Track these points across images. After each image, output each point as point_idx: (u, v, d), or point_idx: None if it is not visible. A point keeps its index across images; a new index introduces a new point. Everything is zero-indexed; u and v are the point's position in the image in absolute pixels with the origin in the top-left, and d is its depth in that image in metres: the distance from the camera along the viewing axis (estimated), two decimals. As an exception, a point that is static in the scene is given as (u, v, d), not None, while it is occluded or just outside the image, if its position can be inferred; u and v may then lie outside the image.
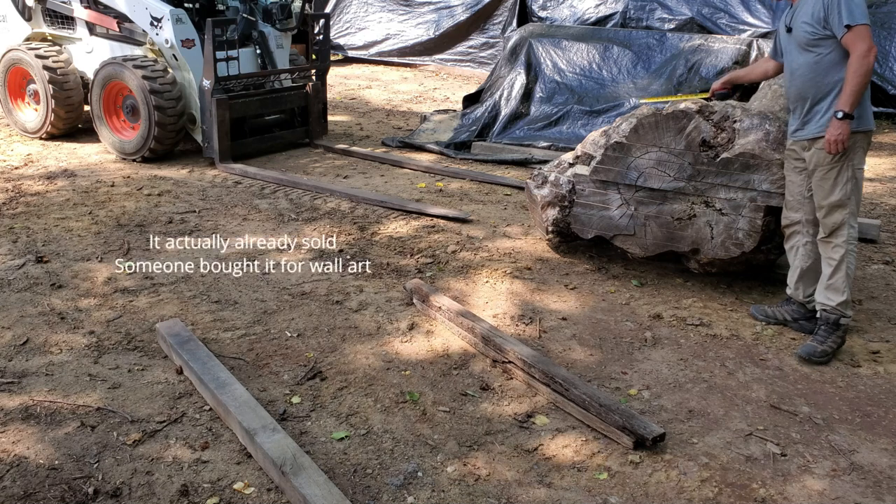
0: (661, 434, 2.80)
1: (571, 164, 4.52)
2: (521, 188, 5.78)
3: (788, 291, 3.82)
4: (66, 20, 6.90)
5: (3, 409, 2.95)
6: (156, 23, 6.12)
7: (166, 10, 6.05)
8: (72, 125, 6.96)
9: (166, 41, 6.13)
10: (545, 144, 6.91)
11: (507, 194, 5.86)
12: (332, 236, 4.85)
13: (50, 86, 6.56)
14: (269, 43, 6.69)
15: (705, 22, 7.89)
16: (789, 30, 3.51)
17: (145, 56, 6.35)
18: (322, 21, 7.24)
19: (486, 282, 4.26)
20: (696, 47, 7.13)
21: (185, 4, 6.43)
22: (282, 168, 6.37)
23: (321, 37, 7.15)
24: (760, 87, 5.09)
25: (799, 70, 3.48)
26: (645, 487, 2.64)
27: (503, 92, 7.52)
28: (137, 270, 4.27)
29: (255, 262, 4.44)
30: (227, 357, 3.38)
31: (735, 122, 4.09)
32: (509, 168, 6.62)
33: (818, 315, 3.56)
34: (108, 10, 6.52)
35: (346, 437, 2.87)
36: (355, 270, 4.35)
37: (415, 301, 3.93)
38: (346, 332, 3.66)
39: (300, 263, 4.43)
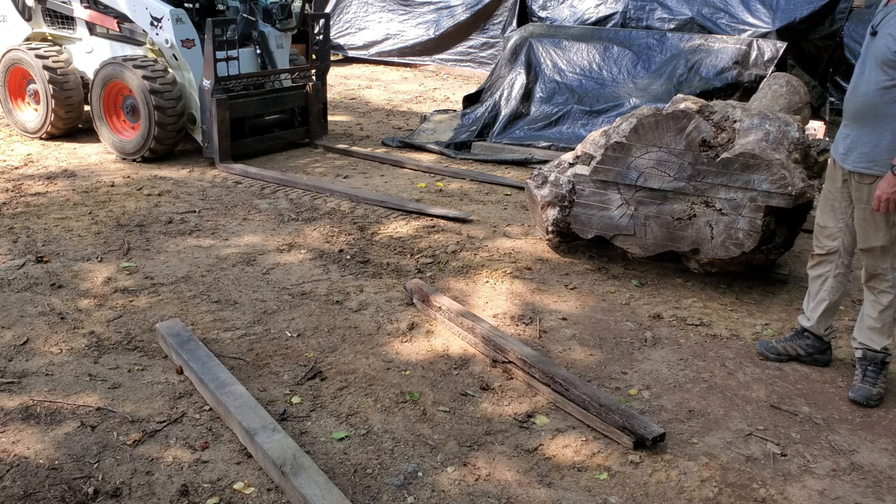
0: (661, 434, 2.80)
1: (571, 164, 4.52)
2: (521, 188, 5.78)
3: (804, 323, 3.44)
4: (66, 20, 6.90)
5: (3, 409, 2.95)
6: (156, 23, 6.12)
7: (166, 10, 6.05)
8: (72, 125, 6.96)
9: (166, 41, 6.13)
10: (545, 144, 6.91)
11: (507, 194, 5.86)
12: (332, 236, 4.85)
13: (50, 86, 6.55)
14: (269, 43, 6.69)
15: (705, 22, 7.88)
16: (874, 33, 2.96)
17: (145, 56, 6.35)
18: (322, 21, 7.23)
19: (487, 282, 4.25)
20: (696, 47, 7.12)
21: (185, 4, 6.43)
22: (282, 168, 6.37)
23: (321, 37, 7.15)
24: (760, 86, 5.09)
25: (864, 87, 2.98)
26: (645, 487, 2.64)
27: (503, 92, 7.52)
28: (137, 270, 4.27)
29: (255, 263, 4.44)
30: (227, 357, 3.38)
31: (735, 122, 4.10)
32: (509, 168, 6.63)
33: (859, 355, 3.26)
34: (108, 10, 6.52)
35: (346, 437, 2.87)
36: (355, 271, 4.35)
37: (415, 301, 3.93)
38: (346, 332, 3.66)
39: (300, 263, 4.43)
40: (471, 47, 11.42)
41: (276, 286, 4.14)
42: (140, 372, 3.27)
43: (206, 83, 6.02)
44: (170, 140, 6.30)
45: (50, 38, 7.04)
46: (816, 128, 6.07)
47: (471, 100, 7.92)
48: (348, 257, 4.55)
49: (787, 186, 3.77)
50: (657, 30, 7.92)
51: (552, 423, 2.98)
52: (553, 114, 7.19)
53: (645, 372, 3.38)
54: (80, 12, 6.68)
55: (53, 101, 6.61)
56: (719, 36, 7.32)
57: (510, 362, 3.30)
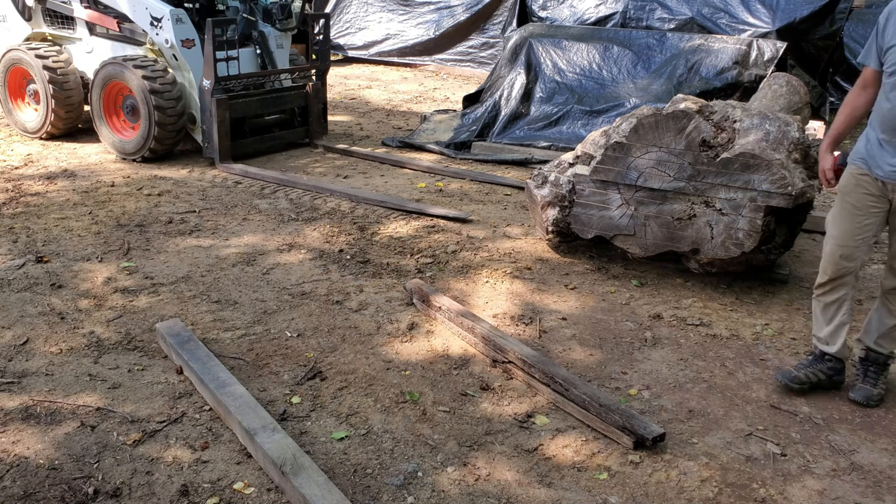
0: (661, 434, 2.80)
1: (571, 164, 4.52)
2: (521, 188, 5.78)
3: (823, 347, 3.25)
4: (66, 20, 6.90)
5: (3, 409, 2.95)
6: (156, 23, 6.12)
7: (166, 10, 6.05)
8: (72, 125, 6.96)
9: (166, 41, 6.13)
10: (545, 144, 6.91)
11: (507, 194, 5.86)
12: (332, 236, 4.85)
13: (50, 86, 6.56)
14: (269, 43, 6.69)
15: (705, 22, 7.88)
16: None
17: (145, 56, 6.35)
18: (322, 21, 7.23)
19: (487, 282, 4.25)
20: (696, 47, 7.13)
21: (185, 4, 6.43)
22: (282, 168, 6.37)
23: (321, 37, 7.15)
24: (760, 86, 5.09)
25: None
26: (645, 487, 2.64)
27: (503, 92, 7.52)
28: (137, 270, 4.27)
29: (255, 263, 4.44)
30: (227, 357, 3.38)
31: (735, 121, 4.10)
32: (509, 168, 6.63)
33: (862, 356, 3.25)
34: (108, 10, 6.52)
35: (346, 437, 2.87)
36: (355, 271, 4.35)
37: (415, 301, 3.93)
38: (346, 332, 3.66)
39: (300, 263, 4.43)
40: (471, 47, 11.42)
41: (276, 286, 4.14)
42: (140, 372, 3.27)
43: (206, 83, 6.02)
44: (170, 140, 6.30)
45: (50, 38, 7.04)
46: (816, 128, 6.08)
47: (471, 100, 7.92)
48: (348, 257, 4.55)
49: (787, 186, 3.77)
50: (657, 30, 7.92)
51: (552, 423, 2.98)
52: (553, 114, 7.19)
53: (645, 372, 3.38)
54: (80, 12, 6.68)
55: (53, 101, 6.61)
56: (719, 36, 7.33)
57: (510, 362, 3.30)
